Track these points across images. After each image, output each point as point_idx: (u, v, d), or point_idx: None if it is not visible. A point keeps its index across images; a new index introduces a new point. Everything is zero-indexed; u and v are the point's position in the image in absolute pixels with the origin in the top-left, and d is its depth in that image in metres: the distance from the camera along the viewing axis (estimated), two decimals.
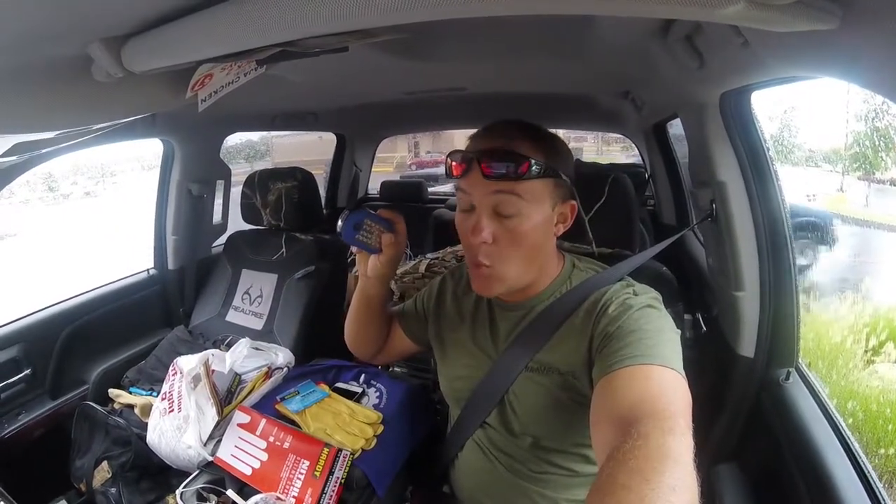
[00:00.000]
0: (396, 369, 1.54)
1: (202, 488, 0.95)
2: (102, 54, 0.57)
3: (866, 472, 0.80)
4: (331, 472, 0.91)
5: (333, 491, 0.90)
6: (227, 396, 1.21)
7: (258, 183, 1.74)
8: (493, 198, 0.77)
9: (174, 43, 0.54)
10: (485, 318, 0.93)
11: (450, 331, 0.98)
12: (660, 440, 0.52)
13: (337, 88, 1.62)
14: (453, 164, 0.80)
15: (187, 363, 1.14)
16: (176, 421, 1.09)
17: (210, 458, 1.00)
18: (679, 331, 0.76)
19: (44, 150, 0.97)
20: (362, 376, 1.20)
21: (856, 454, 0.84)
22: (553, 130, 0.85)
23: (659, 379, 0.64)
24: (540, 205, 0.78)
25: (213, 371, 1.23)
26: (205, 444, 1.03)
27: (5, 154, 0.81)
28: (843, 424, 0.90)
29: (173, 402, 1.15)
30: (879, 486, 0.78)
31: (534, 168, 0.75)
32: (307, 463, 0.92)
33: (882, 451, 1.83)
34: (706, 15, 0.39)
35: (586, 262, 0.92)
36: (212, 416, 1.05)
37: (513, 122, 0.81)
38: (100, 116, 0.74)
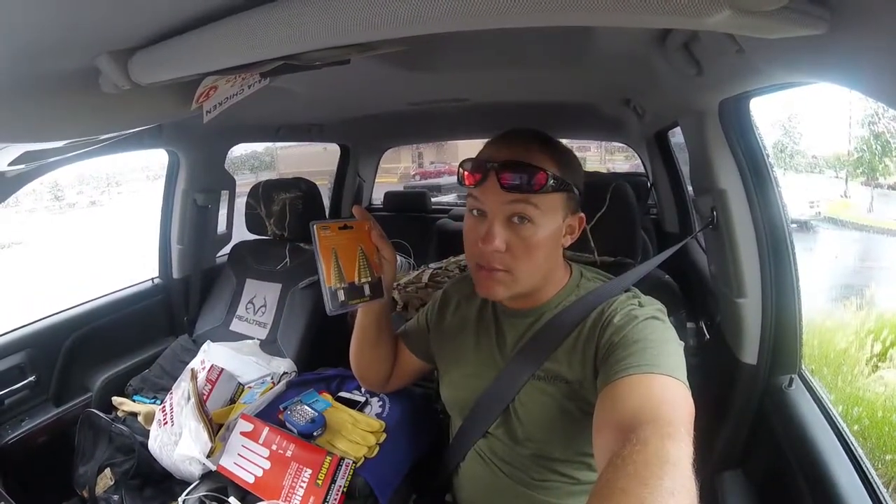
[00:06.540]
0: None
1: (205, 496, 0.95)
2: (110, 67, 0.58)
3: (870, 477, 0.79)
4: (333, 481, 0.91)
5: (336, 499, 0.90)
6: (229, 405, 1.21)
7: (262, 193, 1.76)
8: (508, 207, 0.76)
9: (180, 56, 0.55)
10: (490, 327, 0.92)
11: (453, 340, 0.97)
12: (658, 445, 0.52)
13: (340, 100, 1.64)
14: (466, 173, 0.79)
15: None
16: (173, 437, 1.09)
17: (213, 468, 1.00)
18: (683, 342, 0.76)
19: (51, 160, 0.99)
20: None
21: (860, 460, 0.83)
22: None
23: (661, 388, 0.64)
24: (552, 216, 0.78)
25: (222, 371, 1.23)
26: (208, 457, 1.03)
27: (14, 162, 0.82)
28: (847, 430, 0.90)
29: (166, 413, 1.15)
30: (884, 493, 0.77)
31: (550, 181, 0.75)
32: (310, 471, 0.93)
33: (888, 456, 1.81)
34: (693, 24, 0.39)
35: (593, 272, 0.92)
36: (204, 440, 1.04)
37: (528, 131, 0.81)
38: (107, 127, 0.76)
